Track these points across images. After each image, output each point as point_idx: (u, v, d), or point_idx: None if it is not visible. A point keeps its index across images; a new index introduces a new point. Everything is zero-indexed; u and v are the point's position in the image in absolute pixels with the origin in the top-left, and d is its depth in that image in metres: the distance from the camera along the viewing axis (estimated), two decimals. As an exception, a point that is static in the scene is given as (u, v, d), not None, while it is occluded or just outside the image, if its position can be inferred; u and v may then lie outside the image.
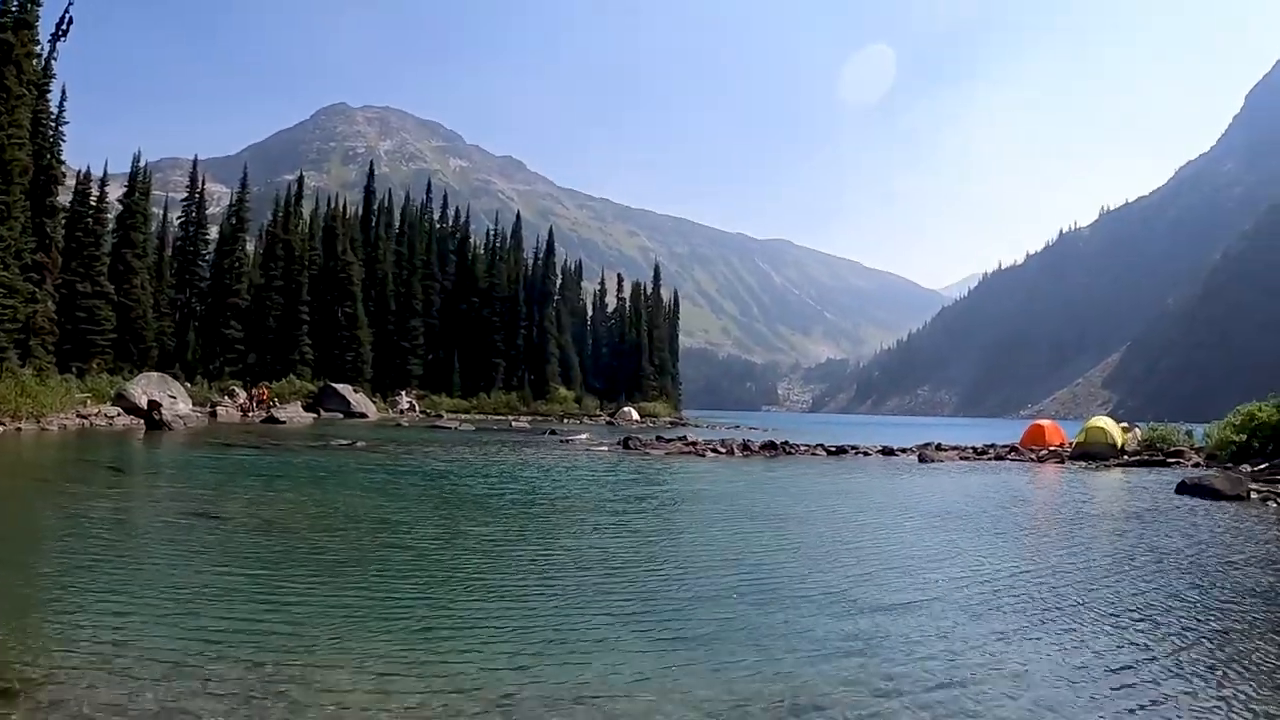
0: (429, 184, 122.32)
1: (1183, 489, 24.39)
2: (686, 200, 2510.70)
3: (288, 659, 6.80)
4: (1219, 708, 6.48)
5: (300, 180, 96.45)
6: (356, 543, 12.64)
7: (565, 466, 28.24)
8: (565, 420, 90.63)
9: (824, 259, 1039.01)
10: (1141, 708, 6.38)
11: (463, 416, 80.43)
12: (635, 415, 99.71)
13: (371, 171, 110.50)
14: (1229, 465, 32.16)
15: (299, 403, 66.89)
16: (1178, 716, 6.28)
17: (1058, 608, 9.69)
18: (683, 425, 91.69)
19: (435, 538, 13.27)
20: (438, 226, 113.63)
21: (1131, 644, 8.24)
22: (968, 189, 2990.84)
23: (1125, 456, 38.56)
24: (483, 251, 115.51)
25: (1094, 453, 38.91)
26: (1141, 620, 9.21)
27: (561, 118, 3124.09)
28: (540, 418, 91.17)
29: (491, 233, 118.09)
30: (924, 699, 6.43)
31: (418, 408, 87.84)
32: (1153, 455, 38.54)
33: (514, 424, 72.40)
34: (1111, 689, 6.82)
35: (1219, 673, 7.39)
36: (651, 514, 17.31)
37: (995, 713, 6.15)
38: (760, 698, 6.30)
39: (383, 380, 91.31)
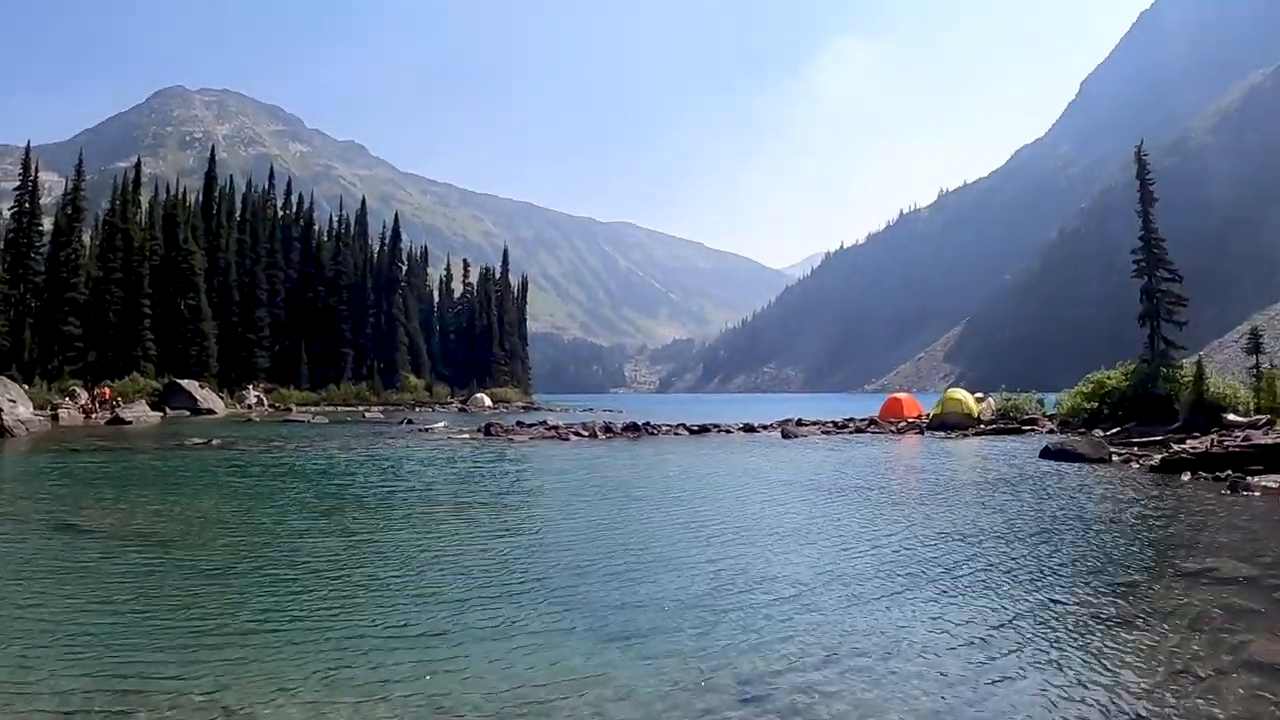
0: (271, 170, 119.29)
1: (1047, 454, 25.29)
2: (531, 183, 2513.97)
3: (199, 690, 6.21)
4: (1123, 658, 6.85)
5: (138, 167, 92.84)
6: (244, 553, 11.58)
7: (444, 458, 27.49)
8: (417, 409, 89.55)
9: (668, 241, 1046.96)
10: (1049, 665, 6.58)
11: (313, 409, 78.06)
12: (487, 401, 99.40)
13: (213, 156, 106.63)
14: (1082, 430, 33.51)
15: (144, 401, 64.50)
16: (1086, 666, 6.60)
17: (975, 574, 10.02)
18: (536, 410, 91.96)
19: (332, 543, 12.36)
20: (281, 214, 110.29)
21: (1053, 603, 8.63)
22: (809, 172, 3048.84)
23: (981, 425, 39.86)
24: (327, 239, 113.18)
25: (951, 423, 40.13)
26: (1058, 581, 9.65)
27: (404, 101, 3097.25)
28: (392, 407, 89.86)
29: (336, 219, 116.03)
30: (860, 664, 6.52)
31: (266, 402, 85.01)
32: (1007, 423, 40.08)
33: (367, 415, 71.20)
34: (1025, 650, 7.04)
35: (1138, 623, 7.79)
36: (555, 506, 16.73)
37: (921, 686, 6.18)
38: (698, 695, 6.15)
39: (229, 374, 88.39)
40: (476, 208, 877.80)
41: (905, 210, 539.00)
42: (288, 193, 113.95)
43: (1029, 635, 7.57)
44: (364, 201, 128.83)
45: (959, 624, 7.92)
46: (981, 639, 7.45)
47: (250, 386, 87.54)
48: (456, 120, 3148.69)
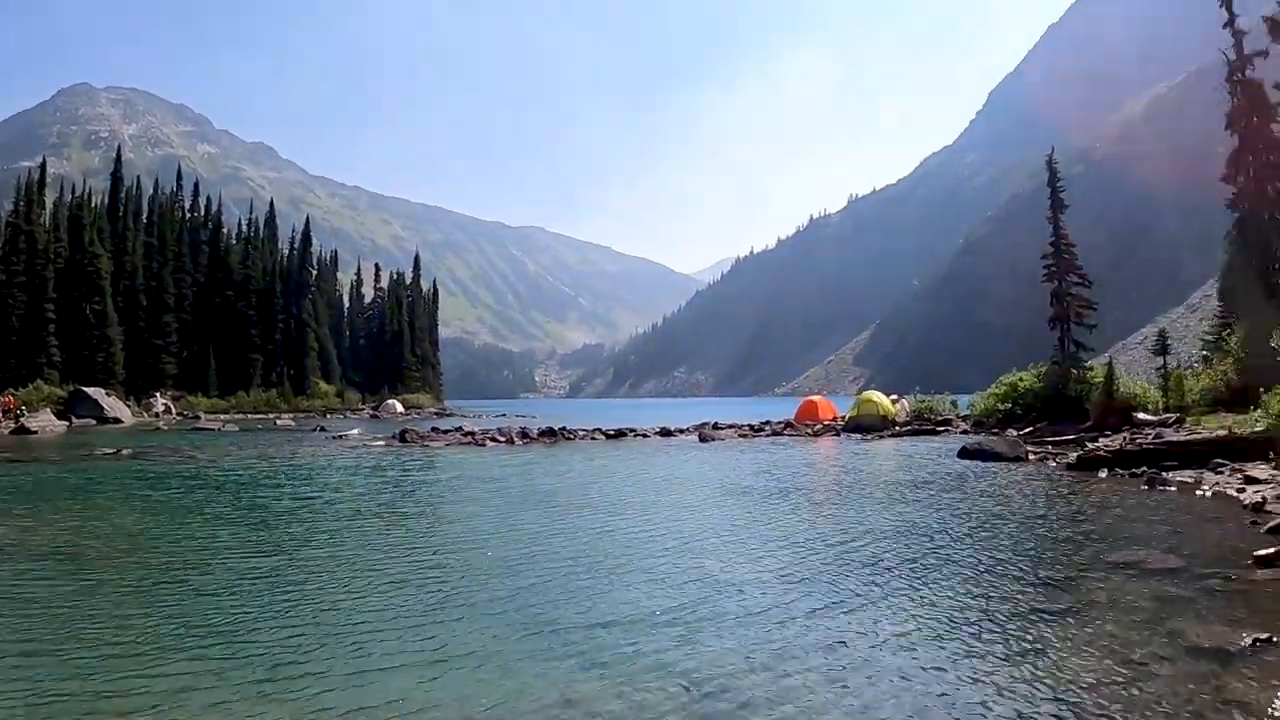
0: (179, 170, 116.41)
1: (965, 454, 25.88)
2: (441, 187, 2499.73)
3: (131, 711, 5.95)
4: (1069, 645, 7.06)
5: (43, 167, 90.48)
6: (173, 571, 10.91)
7: (369, 467, 27.02)
8: (328, 416, 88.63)
9: (577, 245, 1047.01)
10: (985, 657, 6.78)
11: (223, 417, 76.48)
12: (399, 408, 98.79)
13: (119, 157, 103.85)
14: (996, 431, 34.19)
15: (49, 410, 62.97)
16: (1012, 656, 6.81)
17: (913, 572, 10.33)
18: (449, 415, 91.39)
19: (266, 561, 11.58)
20: (188, 216, 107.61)
21: (992, 597, 8.94)
22: (720, 177, 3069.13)
23: (897, 427, 40.39)
24: (236, 242, 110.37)
25: (867, 425, 40.66)
26: (994, 576, 10.05)
27: (314, 102, 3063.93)
28: (302, 414, 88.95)
29: (245, 223, 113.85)
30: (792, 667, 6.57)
31: (174, 410, 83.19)
32: (922, 425, 40.70)
33: (278, 423, 69.97)
34: (968, 647, 7.21)
35: (1074, 614, 8.13)
36: (492, 517, 15.88)
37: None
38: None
39: (135, 381, 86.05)
40: (385, 211, 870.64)
41: (816, 215, 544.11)
42: (195, 194, 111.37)
43: (972, 629, 7.83)
44: (272, 204, 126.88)
45: (902, 621, 8.16)
46: (925, 634, 7.69)
47: (157, 394, 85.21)
48: (366, 123, 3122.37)
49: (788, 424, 45.59)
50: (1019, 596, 9.01)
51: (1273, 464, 17.67)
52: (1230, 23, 34.99)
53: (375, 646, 7.55)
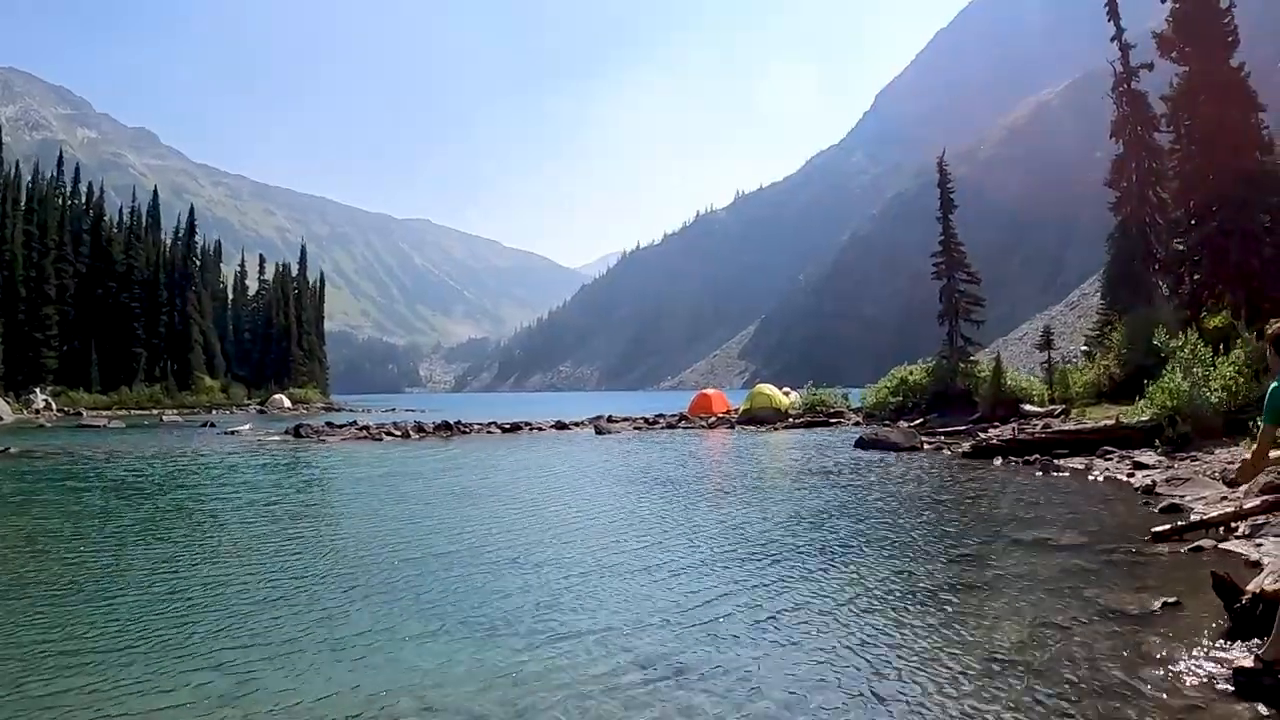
0: (60, 156, 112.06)
1: (861, 444, 26.67)
2: (327, 177, 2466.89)
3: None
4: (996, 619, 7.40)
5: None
6: (103, 579, 10.07)
7: (284, 464, 26.43)
8: (215, 411, 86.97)
9: (464, 238, 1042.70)
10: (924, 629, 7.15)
11: (107, 413, 73.57)
12: (287, 403, 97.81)
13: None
14: (887, 422, 35.08)
15: (-76, 405, 61.07)
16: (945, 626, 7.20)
17: (831, 554, 10.79)
18: (339, 410, 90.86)
19: (194, 569, 10.66)
20: (69, 204, 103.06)
21: (912, 575, 9.40)
22: (608, 174, 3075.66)
23: (790, 419, 41.10)
24: (118, 232, 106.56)
25: (761, 417, 41.47)
26: (910, 556, 10.56)
27: (198, 87, 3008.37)
28: (188, 410, 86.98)
29: (127, 211, 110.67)
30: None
31: (54, 406, 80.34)
32: (815, 417, 41.38)
33: (164, 419, 68.46)
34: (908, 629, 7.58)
35: (991, 587, 8.40)
36: (425, 512, 15.40)
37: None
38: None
39: (14, 376, 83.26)
40: (270, 201, 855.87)
41: (703, 211, 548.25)
42: (76, 181, 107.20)
43: (897, 603, 8.37)
44: (156, 193, 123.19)
45: (831, 598, 8.63)
46: (854, 609, 8.17)
47: (37, 389, 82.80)
48: (251, 110, 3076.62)
49: (682, 416, 46.26)
50: (938, 572, 9.54)
51: (1159, 450, 18.59)
52: (1118, 35, 36.52)
53: (352, 658, 7.03)
